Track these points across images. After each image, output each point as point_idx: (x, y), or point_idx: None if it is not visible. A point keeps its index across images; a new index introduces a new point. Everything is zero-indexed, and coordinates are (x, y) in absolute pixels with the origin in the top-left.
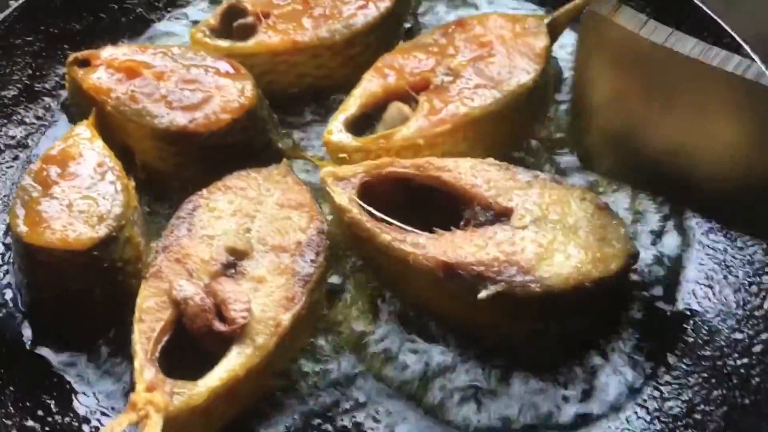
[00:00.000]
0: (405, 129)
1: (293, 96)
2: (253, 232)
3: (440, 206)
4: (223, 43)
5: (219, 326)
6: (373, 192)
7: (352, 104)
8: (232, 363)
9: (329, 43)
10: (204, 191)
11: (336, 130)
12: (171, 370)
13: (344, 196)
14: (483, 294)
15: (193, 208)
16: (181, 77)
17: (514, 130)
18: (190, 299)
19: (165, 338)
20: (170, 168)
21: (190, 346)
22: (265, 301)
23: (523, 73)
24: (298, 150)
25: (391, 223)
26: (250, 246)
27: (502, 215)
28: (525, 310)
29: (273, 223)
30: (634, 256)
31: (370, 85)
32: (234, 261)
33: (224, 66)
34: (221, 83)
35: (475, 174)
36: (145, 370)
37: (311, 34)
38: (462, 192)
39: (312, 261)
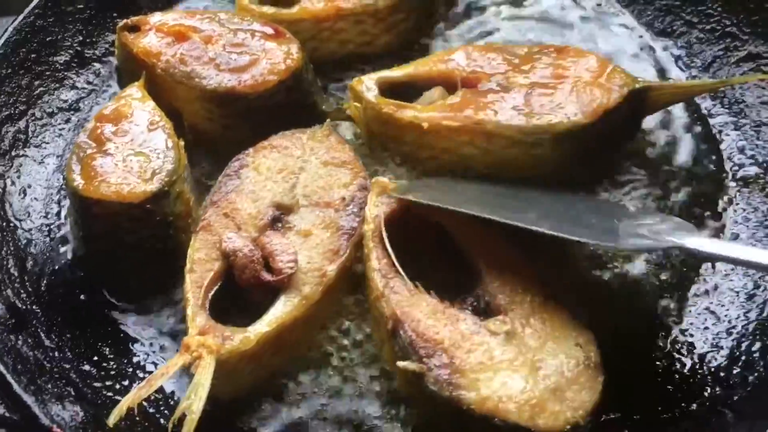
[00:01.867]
0: (417, 107)
1: (337, 61)
2: (298, 189)
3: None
4: (268, 10)
5: (267, 276)
6: (412, 216)
7: (399, 69)
8: (280, 311)
9: (372, 9)
10: (250, 150)
11: (367, 80)
12: (221, 319)
13: (375, 210)
14: (401, 363)
15: (240, 165)
16: (229, 41)
17: (535, 166)
18: (238, 251)
19: (215, 287)
20: (217, 129)
21: (240, 297)
22: (310, 253)
23: (561, 115)
24: (342, 112)
25: (389, 256)
26: (296, 201)
27: (492, 311)
28: (429, 401)
29: (317, 180)
30: (574, 429)
31: (429, 62)
32: (280, 215)
33: (270, 30)
34: (268, 46)
35: (508, 262)
36: (197, 316)
37: (355, 1)
38: (480, 270)
39: (356, 215)
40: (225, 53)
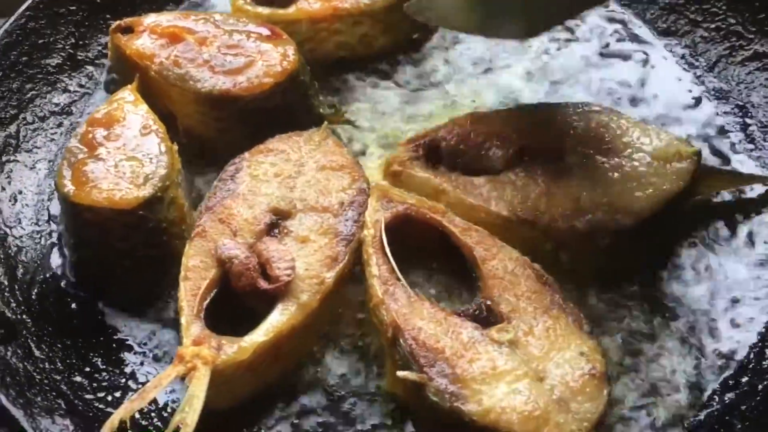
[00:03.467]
0: None
1: (334, 63)
2: (295, 193)
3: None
4: (264, 10)
5: (263, 284)
6: (413, 222)
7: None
8: (277, 320)
9: (369, 10)
10: (246, 154)
11: None
12: (217, 328)
13: (376, 215)
14: (401, 373)
15: (236, 170)
16: (224, 43)
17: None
18: (234, 258)
19: (210, 295)
20: (212, 133)
21: (236, 305)
22: (308, 260)
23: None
24: (339, 114)
25: (389, 262)
26: (293, 206)
27: (495, 319)
28: (431, 412)
29: (315, 185)
30: None
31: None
32: (277, 221)
33: (266, 31)
34: (263, 48)
35: (510, 268)
36: (192, 325)
37: (352, 1)
38: (483, 277)
39: (354, 220)
40: (220, 55)
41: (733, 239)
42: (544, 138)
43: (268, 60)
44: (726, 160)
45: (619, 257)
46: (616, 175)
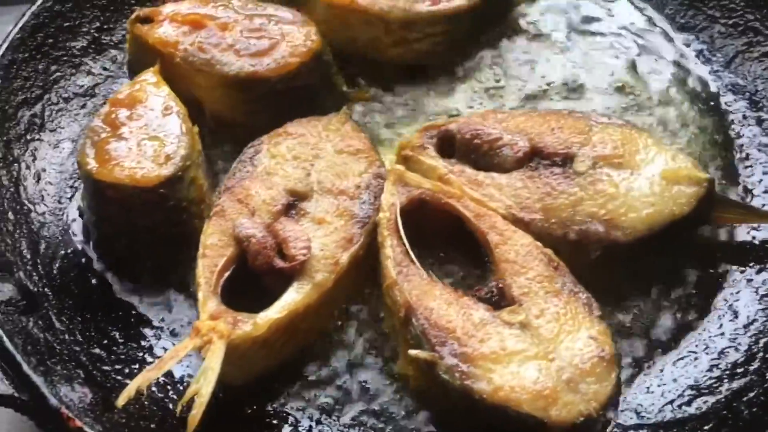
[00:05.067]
0: None
1: (342, 57)
2: (313, 176)
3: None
4: None
5: (279, 263)
6: (428, 207)
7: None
8: (292, 298)
9: (383, 16)
10: (265, 137)
11: None
12: (234, 306)
13: (392, 198)
14: (413, 352)
15: (255, 152)
16: (246, 27)
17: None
18: (252, 237)
19: (227, 273)
20: (240, 116)
21: (253, 284)
22: (324, 240)
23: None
24: (363, 92)
25: (404, 244)
26: (310, 188)
27: (506, 301)
28: (442, 391)
29: (332, 168)
30: (587, 420)
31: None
32: (295, 202)
33: (286, 14)
34: (286, 30)
35: (522, 253)
36: (209, 301)
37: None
38: (495, 261)
39: (370, 204)
40: (243, 39)
41: (735, 278)
42: (557, 143)
43: (293, 41)
44: (739, 159)
45: (609, 273)
46: (620, 189)
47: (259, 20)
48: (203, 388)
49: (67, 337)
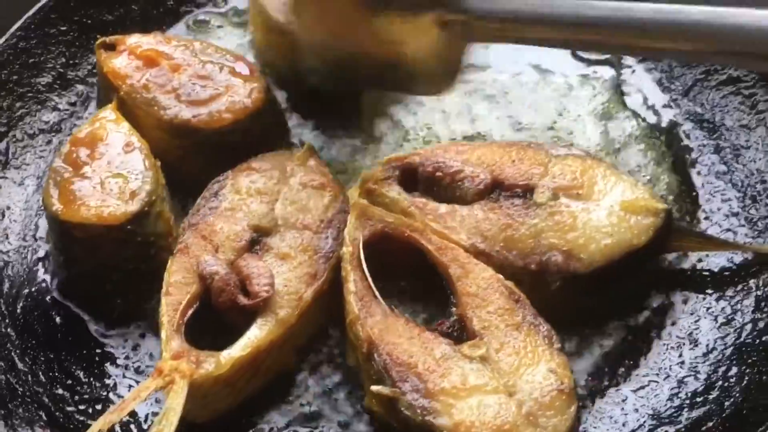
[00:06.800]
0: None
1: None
2: (277, 211)
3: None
4: None
5: (243, 300)
6: (391, 240)
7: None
8: (255, 335)
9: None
10: (229, 172)
11: None
12: (198, 343)
13: (355, 232)
14: (375, 388)
15: (219, 187)
16: (195, 72)
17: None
18: (215, 274)
19: (191, 311)
20: (173, 160)
21: (217, 320)
22: (288, 276)
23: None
24: (306, 152)
25: (366, 279)
26: (274, 224)
27: (467, 335)
28: (404, 426)
29: (296, 202)
30: None
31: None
32: (259, 237)
33: (241, 67)
34: (232, 83)
35: (483, 286)
36: (172, 340)
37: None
38: (457, 294)
39: (335, 238)
40: (189, 84)
41: (695, 306)
42: (517, 174)
43: (233, 96)
44: (698, 186)
45: (569, 304)
46: (578, 220)
47: (211, 67)
48: (165, 429)
49: (29, 378)
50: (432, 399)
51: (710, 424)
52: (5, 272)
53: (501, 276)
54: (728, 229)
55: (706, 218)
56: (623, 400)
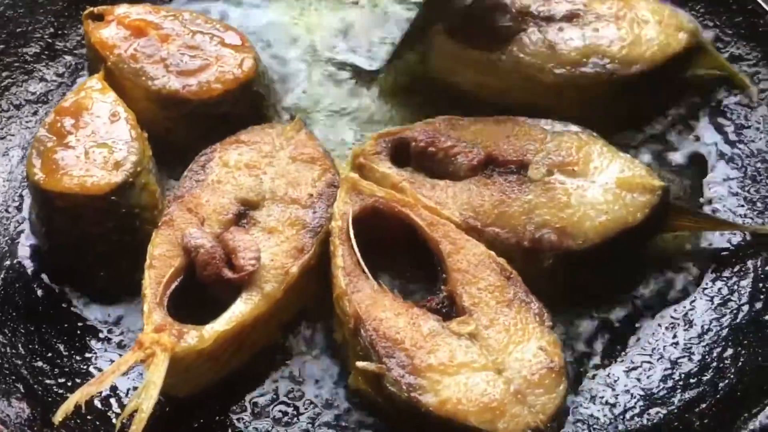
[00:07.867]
0: None
1: None
2: (265, 184)
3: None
4: None
5: (228, 273)
6: (381, 215)
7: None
8: (240, 309)
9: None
10: (218, 145)
11: None
12: (181, 317)
13: (344, 207)
14: (361, 364)
15: (207, 160)
16: (185, 42)
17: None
18: (201, 247)
19: (174, 284)
20: (160, 131)
21: (202, 294)
22: (275, 250)
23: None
24: (295, 125)
25: (355, 254)
26: (262, 197)
27: (457, 312)
28: (389, 402)
29: (285, 176)
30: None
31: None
32: (246, 211)
33: (232, 37)
34: (222, 53)
35: (474, 262)
36: (154, 312)
37: None
38: (447, 270)
39: (323, 213)
40: (178, 54)
41: (691, 287)
42: (512, 150)
43: (223, 66)
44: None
45: (562, 281)
46: (572, 197)
47: (200, 38)
48: (144, 402)
49: (8, 350)
50: (418, 375)
51: (703, 405)
52: None
53: (493, 252)
54: (728, 209)
55: (705, 198)
56: (615, 381)
